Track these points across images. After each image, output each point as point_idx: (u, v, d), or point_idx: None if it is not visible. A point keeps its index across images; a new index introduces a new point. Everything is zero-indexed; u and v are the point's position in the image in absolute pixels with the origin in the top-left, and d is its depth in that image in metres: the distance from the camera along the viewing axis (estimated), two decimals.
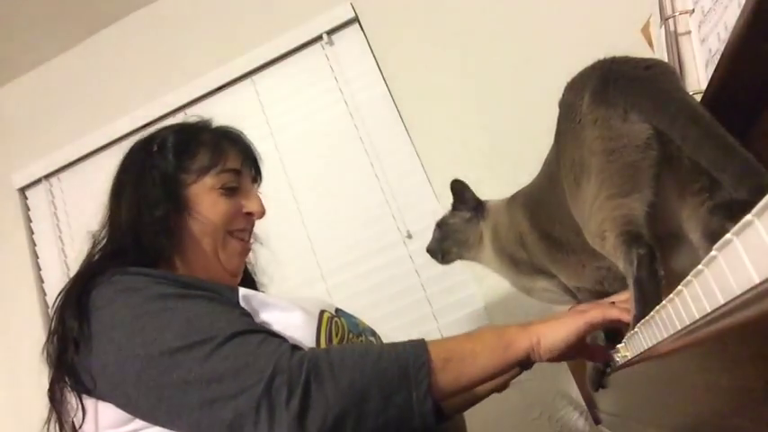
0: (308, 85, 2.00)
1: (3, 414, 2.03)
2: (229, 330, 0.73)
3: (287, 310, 0.86)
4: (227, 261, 0.98)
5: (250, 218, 1.02)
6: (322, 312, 0.91)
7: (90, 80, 2.22)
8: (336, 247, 1.86)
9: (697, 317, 0.35)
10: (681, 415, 0.39)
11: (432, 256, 1.22)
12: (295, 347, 0.73)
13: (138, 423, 0.78)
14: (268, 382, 0.68)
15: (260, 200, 1.02)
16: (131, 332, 0.76)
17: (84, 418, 0.80)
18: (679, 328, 0.39)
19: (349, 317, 0.99)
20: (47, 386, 0.85)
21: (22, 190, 2.21)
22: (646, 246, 0.67)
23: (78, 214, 2.14)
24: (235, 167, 0.99)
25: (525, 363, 0.79)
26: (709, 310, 0.32)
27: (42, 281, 2.13)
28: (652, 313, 0.49)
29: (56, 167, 2.17)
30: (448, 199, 1.81)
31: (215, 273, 0.98)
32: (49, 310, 0.91)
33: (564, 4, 1.80)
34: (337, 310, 0.98)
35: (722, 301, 0.30)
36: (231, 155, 1.00)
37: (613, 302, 0.80)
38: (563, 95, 0.81)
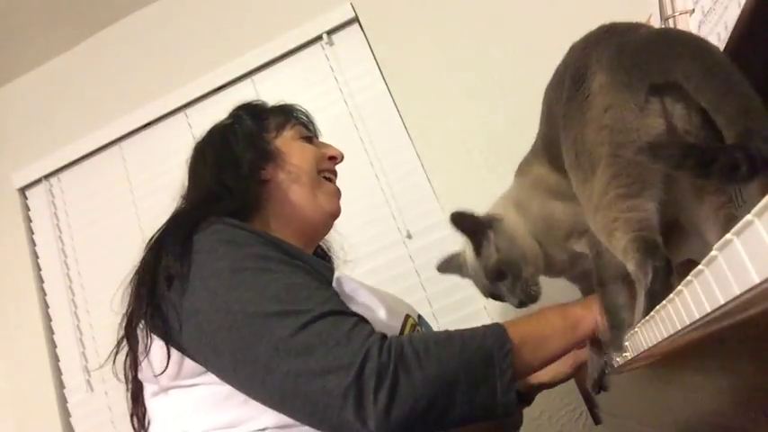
0: (308, 85, 2.00)
1: (3, 413, 2.03)
2: (326, 307, 0.73)
3: (373, 304, 0.87)
4: (326, 201, 1.04)
5: (333, 161, 1.10)
6: (407, 317, 0.91)
7: (90, 80, 2.22)
8: (336, 246, 1.86)
9: (697, 317, 0.35)
10: (681, 415, 0.39)
11: (529, 303, 0.91)
12: (384, 336, 0.73)
13: (203, 378, 0.78)
14: (359, 370, 0.67)
15: (334, 146, 1.12)
16: (229, 285, 0.76)
17: (168, 364, 0.79)
18: (679, 327, 0.39)
19: (428, 326, 1.00)
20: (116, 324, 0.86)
21: (22, 190, 2.21)
22: (663, 258, 0.63)
23: (78, 214, 2.14)
24: (303, 122, 1.11)
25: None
26: (709, 310, 0.32)
27: (42, 281, 2.12)
28: (652, 313, 0.49)
29: (56, 167, 2.16)
30: (448, 199, 1.82)
31: (307, 225, 1.01)
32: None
33: (564, 3, 1.80)
34: (419, 317, 0.99)
35: (722, 301, 0.30)
36: (294, 115, 1.11)
37: None
38: (572, 53, 0.78)
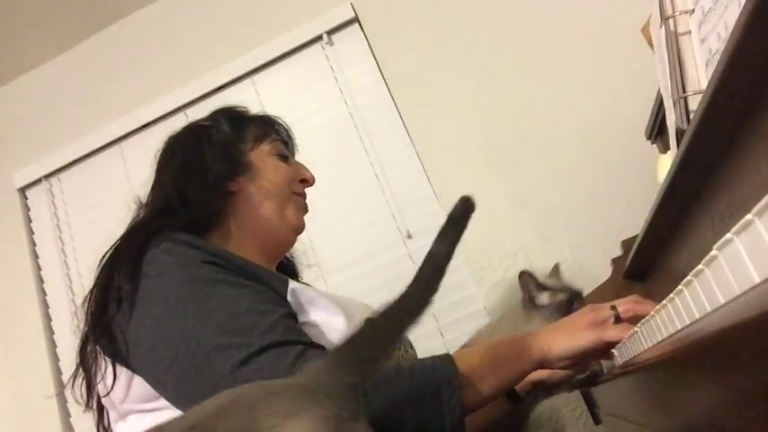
0: (308, 85, 2.00)
1: (4, 413, 2.03)
2: (268, 339, 0.71)
3: (332, 312, 0.85)
4: (292, 216, 1.01)
5: (305, 184, 1.07)
6: None
7: (90, 80, 2.22)
8: (336, 247, 1.86)
9: (697, 317, 0.35)
10: (681, 415, 0.39)
11: None
12: None
13: (160, 403, 0.77)
14: None
15: (308, 169, 1.08)
16: (173, 313, 0.74)
17: (113, 385, 0.78)
18: (679, 327, 0.39)
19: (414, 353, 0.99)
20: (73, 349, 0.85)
21: (22, 190, 2.21)
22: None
23: (78, 214, 2.14)
24: (283, 138, 1.06)
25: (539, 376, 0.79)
26: (709, 311, 0.32)
27: (42, 281, 2.13)
28: (652, 313, 0.49)
29: (56, 167, 2.16)
30: (448, 199, 1.82)
31: (271, 240, 0.99)
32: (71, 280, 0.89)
33: (564, 3, 1.80)
34: (411, 345, 0.98)
35: (722, 301, 0.30)
36: (275, 130, 1.06)
37: (614, 306, 0.79)
38: None
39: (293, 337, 0.74)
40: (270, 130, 1.04)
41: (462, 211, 0.62)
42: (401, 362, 0.77)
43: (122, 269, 0.81)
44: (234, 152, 0.98)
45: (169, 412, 0.77)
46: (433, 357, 0.75)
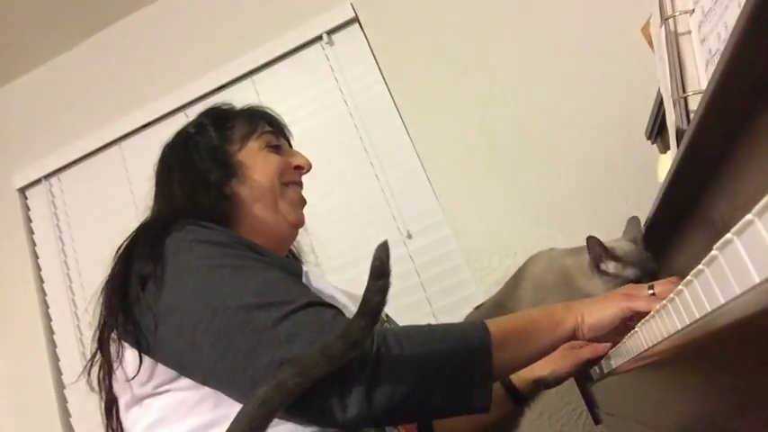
0: (308, 85, 2.00)
1: (4, 413, 2.03)
2: (306, 299, 0.73)
3: (342, 300, 0.88)
4: (288, 212, 1.00)
5: (299, 171, 1.05)
6: None
7: (90, 80, 2.22)
8: (336, 247, 1.86)
9: (697, 317, 0.35)
10: (680, 415, 0.39)
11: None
12: None
13: (175, 384, 0.77)
14: None
15: (303, 155, 1.07)
16: (208, 281, 0.75)
17: (139, 367, 0.78)
18: (679, 327, 0.39)
19: (395, 324, 1.00)
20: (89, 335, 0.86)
21: (22, 190, 2.21)
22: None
23: (78, 214, 2.14)
24: (271, 129, 1.04)
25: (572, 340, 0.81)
26: (710, 310, 0.32)
27: (42, 281, 2.13)
28: (652, 313, 0.49)
29: (56, 167, 2.16)
30: (448, 199, 1.82)
31: (273, 238, 0.99)
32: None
33: (564, 3, 1.80)
34: (387, 315, 0.99)
35: (722, 301, 0.30)
36: (263, 121, 1.05)
37: (652, 286, 0.80)
38: None
39: (328, 302, 0.77)
40: (257, 123, 1.03)
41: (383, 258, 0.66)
42: (435, 324, 0.80)
43: (142, 253, 0.81)
44: (222, 156, 0.98)
45: (181, 393, 0.77)
46: (465, 321, 0.78)
